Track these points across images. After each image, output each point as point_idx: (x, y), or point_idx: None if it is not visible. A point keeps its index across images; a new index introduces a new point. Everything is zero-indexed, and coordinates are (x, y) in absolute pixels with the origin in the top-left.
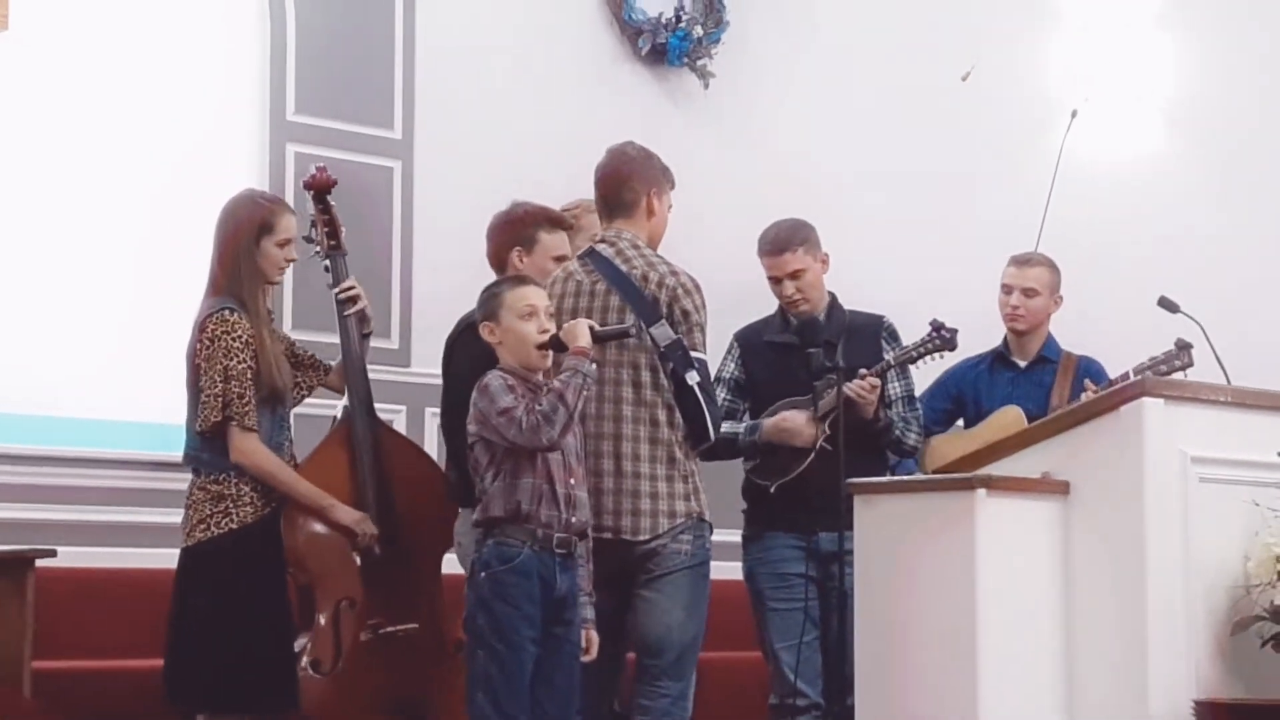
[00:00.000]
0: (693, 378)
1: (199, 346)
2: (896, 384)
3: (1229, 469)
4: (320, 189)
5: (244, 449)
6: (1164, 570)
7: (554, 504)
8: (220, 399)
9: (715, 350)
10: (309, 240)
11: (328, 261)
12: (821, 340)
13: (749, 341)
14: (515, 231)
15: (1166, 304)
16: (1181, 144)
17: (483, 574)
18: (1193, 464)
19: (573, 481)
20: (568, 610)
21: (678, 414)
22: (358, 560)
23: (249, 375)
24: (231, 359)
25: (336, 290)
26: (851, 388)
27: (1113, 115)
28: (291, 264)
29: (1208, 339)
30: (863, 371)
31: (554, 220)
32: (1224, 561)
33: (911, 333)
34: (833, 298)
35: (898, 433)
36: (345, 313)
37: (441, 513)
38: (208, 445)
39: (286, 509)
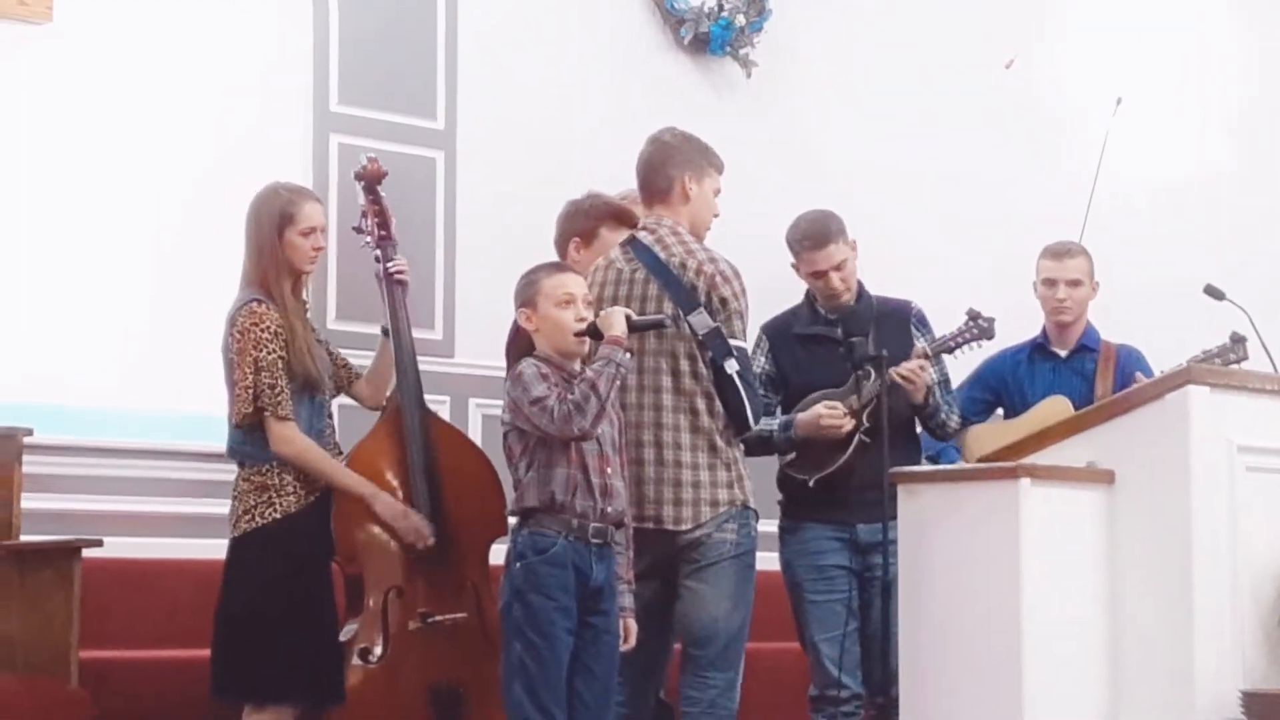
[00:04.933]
0: (731, 366)
1: (230, 340)
2: (933, 369)
3: (1276, 458)
4: (371, 180)
5: (282, 438)
6: (1210, 560)
7: (589, 494)
8: (251, 390)
9: (751, 340)
10: (359, 231)
11: (379, 252)
12: (864, 329)
13: (778, 334)
14: (577, 222)
15: (1212, 292)
16: (1224, 133)
17: (518, 564)
18: (1239, 453)
19: (609, 471)
20: (605, 600)
21: (717, 402)
22: (403, 549)
23: (280, 365)
24: (261, 350)
25: (390, 267)
26: (903, 370)
27: (1157, 103)
28: (320, 252)
29: (1254, 327)
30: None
31: (620, 217)
32: (1271, 551)
33: (949, 322)
34: (860, 285)
35: (943, 416)
36: (393, 277)
37: (490, 502)
38: (249, 437)
39: (336, 499)
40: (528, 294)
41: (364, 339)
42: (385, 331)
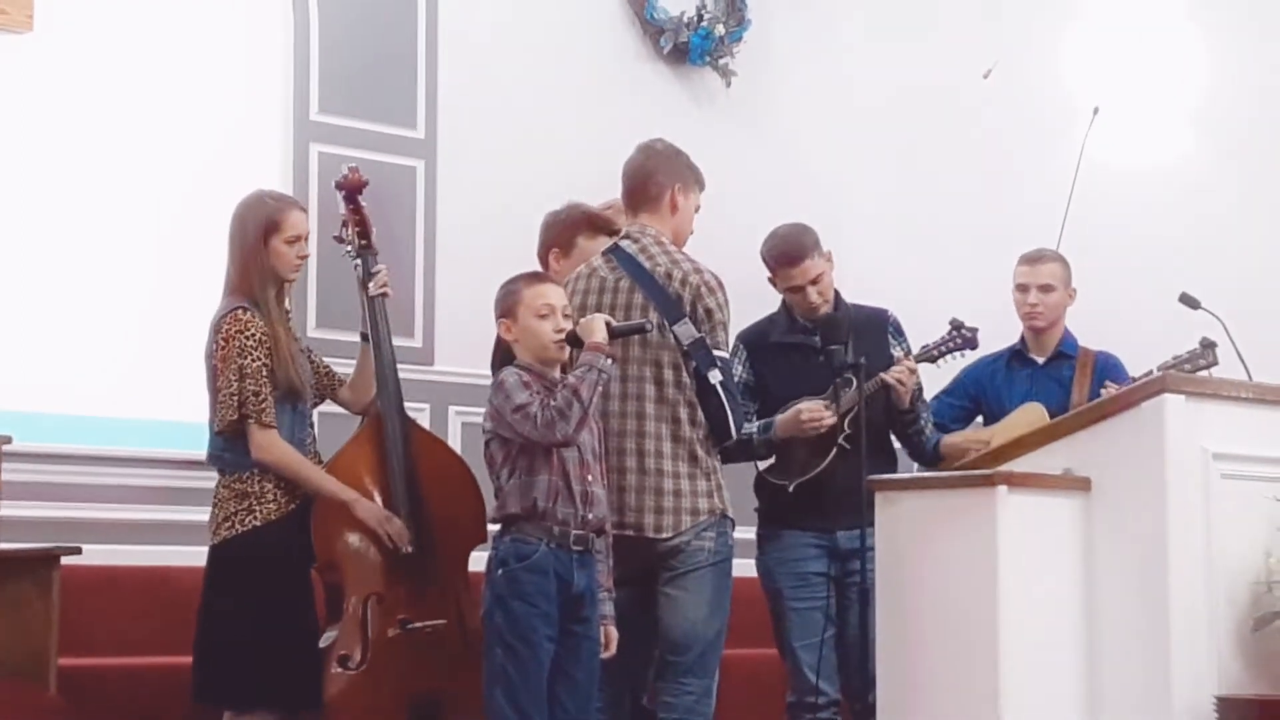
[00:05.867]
0: (715, 376)
1: (215, 347)
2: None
3: (1250, 465)
4: (352, 189)
5: (264, 445)
6: (1186, 566)
7: (570, 501)
8: (236, 397)
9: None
10: (340, 240)
11: (359, 261)
12: (843, 337)
13: (755, 343)
14: (555, 233)
15: (1188, 300)
16: (1203, 141)
17: (499, 571)
18: (1214, 460)
19: (590, 478)
20: (586, 607)
21: (699, 412)
22: (383, 556)
23: (264, 373)
24: (246, 357)
25: (371, 285)
26: (894, 373)
27: (1134, 113)
28: (305, 260)
29: (1229, 335)
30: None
31: (596, 225)
32: (1245, 557)
33: (929, 332)
34: (837, 293)
35: (921, 423)
36: (373, 295)
37: (470, 509)
38: (230, 444)
39: (315, 505)
40: (507, 304)
41: (344, 347)
42: (365, 337)
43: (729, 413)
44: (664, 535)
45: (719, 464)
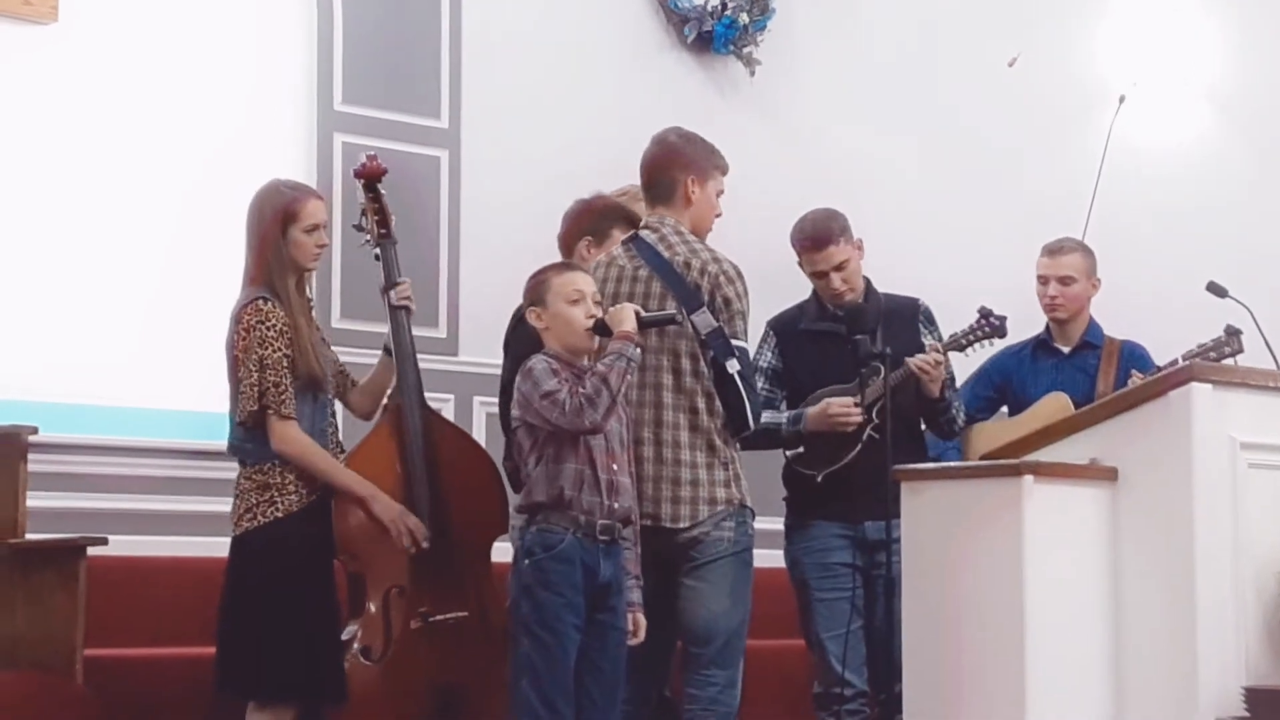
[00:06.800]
0: (733, 366)
1: (235, 337)
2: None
3: (1278, 455)
4: (371, 177)
5: (284, 436)
6: (1213, 557)
7: (596, 490)
8: (257, 388)
9: (752, 338)
10: (359, 229)
11: (378, 250)
12: (869, 327)
13: (785, 330)
14: (589, 222)
15: (1215, 289)
16: (1229, 128)
17: (526, 561)
18: (1242, 450)
19: (615, 467)
20: (612, 596)
21: (717, 402)
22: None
23: (285, 364)
24: (266, 348)
25: (394, 294)
26: (916, 362)
27: (1160, 100)
28: (324, 249)
29: (1257, 324)
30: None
31: (631, 219)
32: (1274, 548)
33: (956, 320)
34: (868, 282)
35: (954, 412)
36: (395, 305)
37: (491, 500)
38: (251, 435)
39: (337, 497)
40: (537, 292)
41: (368, 337)
42: (387, 350)
43: (746, 403)
44: (681, 525)
45: (737, 454)
